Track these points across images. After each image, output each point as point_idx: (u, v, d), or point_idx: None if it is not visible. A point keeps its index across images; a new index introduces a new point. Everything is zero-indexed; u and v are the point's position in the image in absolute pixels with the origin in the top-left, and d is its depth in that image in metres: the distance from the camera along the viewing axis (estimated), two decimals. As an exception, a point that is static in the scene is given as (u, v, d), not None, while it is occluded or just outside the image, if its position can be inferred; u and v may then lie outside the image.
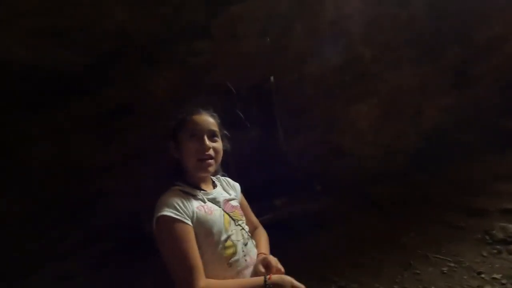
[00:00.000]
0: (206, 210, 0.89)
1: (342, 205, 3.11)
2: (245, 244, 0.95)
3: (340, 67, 2.92)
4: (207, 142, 0.92)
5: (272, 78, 2.65)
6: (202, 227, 0.86)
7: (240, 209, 1.04)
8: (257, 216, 1.17)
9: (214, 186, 1.04)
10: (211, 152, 0.93)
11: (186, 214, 0.84)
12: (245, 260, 0.92)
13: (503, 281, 1.88)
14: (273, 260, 0.92)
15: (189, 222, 0.84)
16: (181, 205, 0.85)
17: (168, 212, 0.82)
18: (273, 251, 1.04)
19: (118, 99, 2.23)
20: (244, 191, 1.15)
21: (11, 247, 2.07)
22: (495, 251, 2.21)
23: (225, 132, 1.04)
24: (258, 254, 0.98)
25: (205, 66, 2.36)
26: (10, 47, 1.71)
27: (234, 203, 1.03)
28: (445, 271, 2.12)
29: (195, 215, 0.86)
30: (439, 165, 3.46)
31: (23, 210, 2.12)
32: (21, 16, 1.62)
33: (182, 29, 2.17)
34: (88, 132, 2.23)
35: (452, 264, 2.17)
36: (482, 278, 1.98)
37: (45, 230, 2.24)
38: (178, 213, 0.83)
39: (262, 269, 0.88)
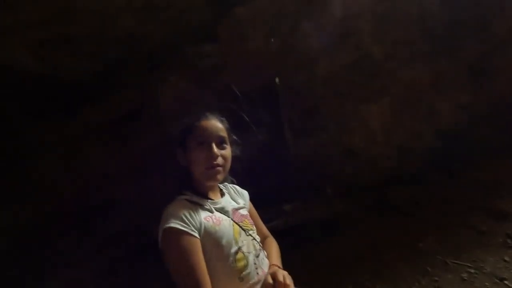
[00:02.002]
0: (214, 220, 0.87)
1: (355, 209, 3.06)
2: (257, 256, 0.92)
3: (350, 65, 2.89)
4: (215, 150, 0.90)
5: (277, 79, 2.64)
6: (211, 238, 0.84)
7: (250, 218, 1.02)
8: (266, 222, 1.15)
9: (222, 194, 1.02)
10: (219, 160, 0.91)
11: (193, 226, 0.82)
12: (257, 273, 0.89)
13: None
14: (281, 275, 0.87)
15: (197, 235, 0.82)
16: (188, 216, 0.83)
17: (174, 224, 0.81)
18: (283, 260, 1.02)
19: (126, 105, 2.27)
20: (251, 197, 1.13)
21: (21, 255, 2.12)
22: (518, 256, 2.12)
23: (235, 137, 1.02)
24: (269, 266, 0.95)
25: (212, 69, 2.38)
26: (19, 57, 1.76)
27: (243, 212, 1.01)
28: (465, 278, 2.04)
29: (202, 226, 0.84)
30: (456, 165, 3.36)
31: (33, 218, 2.17)
32: (29, 26, 1.68)
33: (188, 32, 2.20)
34: (97, 140, 2.28)
35: (473, 270, 2.09)
36: (506, 284, 1.90)
37: (57, 238, 2.29)
38: (185, 224, 0.81)
39: (271, 281, 0.84)
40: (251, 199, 1.13)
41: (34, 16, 1.64)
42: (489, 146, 3.44)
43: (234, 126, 1.07)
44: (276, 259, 1.00)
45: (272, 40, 2.44)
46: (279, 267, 0.95)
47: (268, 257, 1.00)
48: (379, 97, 3.19)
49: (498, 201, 2.78)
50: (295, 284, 0.88)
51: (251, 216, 1.07)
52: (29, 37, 1.70)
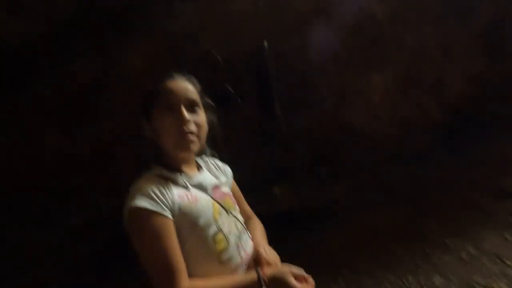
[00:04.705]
0: (190, 198, 0.85)
1: (352, 191, 3.14)
2: (239, 237, 0.91)
3: (350, 29, 2.85)
4: (186, 114, 0.86)
5: (266, 43, 2.57)
6: (186, 219, 0.82)
7: (232, 196, 1.01)
8: (252, 207, 1.14)
9: (199, 169, 0.98)
10: (191, 126, 0.86)
11: (165, 205, 0.80)
12: (240, 255, 0.89)
13: None
14: (263, 252, 0.90)
15: (169, 215, 0.80)
16: (158, 193, 0.80)
17: (142, 202, 0.78)
18: (273, 246, 1.03)
19: (86, 77, 2.18)
20: (237, 179, 1.13)
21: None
22: (519, 234, 2.28)
23: (209, 101, 0.97)
24: (255, 244, 0.96)
25: (187, 31, 2.29)
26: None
27: (225, 189, 0.99)
28: (464, 258, 2.20)
29: (176, 205, 0.82)
30: (465, 142, 3.47)
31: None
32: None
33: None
34: (52, 118, 2.19)
35: (472, 250, 2.25)
36: (504, 263, 2.06)
37: (12, 236, 2.25)
38: (154, 203, 0.79)
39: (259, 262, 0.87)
40: (235, 180, 1.12)
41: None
42: (499, 122, 3.55)
43: (216, 99, 1.03)
44: (262, 239, 1.01)
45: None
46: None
47: (252, 239, 1.00)
48: (381, 65, 3.18)
49: (502, 180, 2.95)
50: None
51: (234, 195, 1.05)
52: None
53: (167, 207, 0.81)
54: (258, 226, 1.08)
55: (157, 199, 0.80)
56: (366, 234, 2.69)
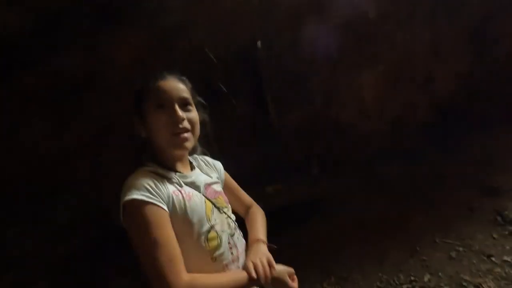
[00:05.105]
0: (184, 195, 0.86)
1: (344, 188, 3.16)
2: (232, 235, 0.93)
3: (342, 27, 2.85)
4: (180, 112, 0.86)
5: (259, 42, 2.56)
6: (180, 215, 0.82)
7: (225, 195, 1.02)
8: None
9: (192, 167, 0.99)
10: (185, 124, 0.87)
11: (161, 198, 0.80)
12: (231, 253, 0.90)
13: None
14: (257, 259, 0.89)
15: (164, 206, 0.80)
16: (154, 186, 0.80)
17: (138, 196, 0.77)
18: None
19: (73, 70, 2.12)
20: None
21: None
22: (506, 232, 2.35)
23: (200, 99, 0.98)
24: (253, 240, 0.98)
25: (179, 26, 2.25)
26: None
27: (217, 187, 1.00)
28: (453, 256, 2.26)
29: (170, 200, 0.82)
30: (453, 139, 3.53)
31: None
32: None
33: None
34: (39, 112, 2.13)
35: (461, 248, 2.31)
36: (492, 261, 2.12)
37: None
38: (150, 195, 0.78)
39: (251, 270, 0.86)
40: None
41: None
42: (487, 120, 3.62)
43: (208, 97, 1.03)
44: (262, 232, 1.02)
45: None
46: (264, 241, 0.98)
47: (251, 229, 1.03)
48: (372, 63, 3.20)
49: (490, 177, 3.03)
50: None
51: (229, 187, 1.08)
52: None
53: (162, 199, 0.80)
54: (259, 216, 1.10)
55: (152, 191, 0.80)
56: (357, 231, 2.72)
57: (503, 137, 3.46)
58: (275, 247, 0.99)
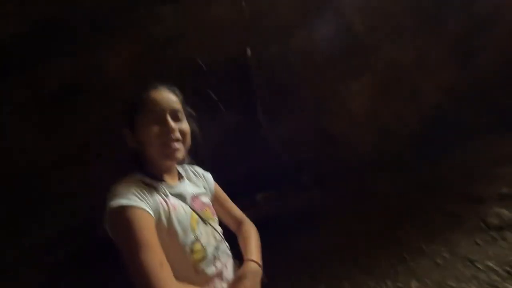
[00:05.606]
0: (170, 206, 0.85)
1: (333, 197, 3.19)
2: (217, 248, 0.92)
3: (330, 39, 2.90)
4: (172, 123, 0.87)
5: (249, 51, 2.58)
6: (165, 225, 0.82)
7: (212, 207, 1.01)
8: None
9: (180, 178, 0.99)
10: (177, 135, 0.88)
11: (148, 204, 0.79)
12: (216, 266, 0.90)
13: (497, 269, 2.07)
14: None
15: (151, 212, 0.79)
16: (140, 193, 0.80)
17: (124, 201, 0.76)
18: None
19: (62, 78, 2.09)
20: (220, 186, 1.12)
21: None
22: (489, 238, 2.40)
23: (190, 110, 0.99)
24: (247, 261, 0.95)
25: (169, 36, 2.26)
26: None
27: (205, 199, 1.00)
28: (439, 262, 2.30)
29: (156, 209, 0.81)
30: (439, 149, 3.61)
31: None
32: None
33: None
34: (26, 120, 2.09)
35: (447, 255, 2.36)
36: (475, 266, 2.16)
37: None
38: (137, 200, 0.78)
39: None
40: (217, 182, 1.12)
41: None
42: (470, 129, 3.72)
43: (198, 106, 1.03)
44: (255, 252, 0.99)
45: (243, 4, 2.36)
46: (258, 264, 0.96)
47: (245, 249, 1.00)
48: (360, 75, 3.27)
49: (474, 186, 3.09)
50: (271, 278, 0.92)
51: (218, 200, 1.07)
52: None
53: (150, 207, 0.80)
54: (252, 235, 1.06)
55: (139, 196, 0.79)
56: (346, 239, 2.75)
57: (486, 146, 3.56)
58: (267, 280, 0.97)
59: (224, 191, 1.14)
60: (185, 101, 0.98)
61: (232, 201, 1.15)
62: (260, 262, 0.97)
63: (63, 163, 2.23)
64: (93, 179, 2.26)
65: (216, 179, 1.12)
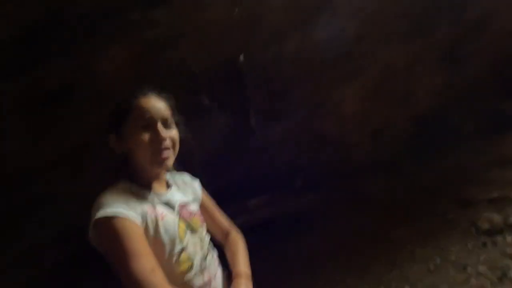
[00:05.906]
0: (157, 215, 0.83)
1: (326, 201, 3.20)
2: (205, 258, 0.91)
3: (323, 44, 2.93)
4: (163, 132, 0.86)
5: (242, 56, 2.59)
6: (152, 234, 0.80)
7: (201, 215, 0.99)
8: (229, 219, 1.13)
9: (168, 186, 0.97)
10: (167, 143, 0.87)
11: (135, 213, 0.78)
12: (203, 277, 0.88)
13: (488, 274, 2.09)
14: None
15: (138, 222, 0.77)
16: (125, 203, 0.78)
17: (110, 211, 0.74)
18: (250, 259, 1.01)
19: (54, 81, 2.07)
20: (211, 192, 1.10)
21: None
22: (480, 243, 2.43)
23: (179, 116, 0.97)
24: (235, 274, 0.94)
25: (162, 40, 2.25)
26: None
27: (193, 207, 0.97)
28: (431, 267, 2.32)
29: (144, 218, 0.80)
30: (430, 152, 3.65)
31: None
32: None
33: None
34: (15, 124, 2.06)
35: (438, 260, 2.38)
36: (467, 272, 2.18)
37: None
38: (124, 211, 0.76)
39: None
40: (210, 192, 1.10)
41: None
42: (460, 132, 3.78)
43: (191, 110, 1.02)
44: (243, 264, 0.98)
45: (236, 9, 2.37)
46: (247, 275, 0.94)
47: (234, 262, 0.98)
48: (352, 79, 3.29)
49: (465, 189, 3.14)
50: (263, 285, 0.90)
51: (205, 209, 1.05)
52: None
53: (135, 215, 0.78)
54: (239, 246, 1.05)
55: (125, 206, 0.77)
56: (339, 244, 2.76)
57: (478, 150, 3.61)
58: None
59: (217, 196, 1.12)
60: (177, 106, 0.96)
61: (225, 205, 1.13)
62: (249, 272, 0.96)
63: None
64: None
65: (209, 183, 1.10)
